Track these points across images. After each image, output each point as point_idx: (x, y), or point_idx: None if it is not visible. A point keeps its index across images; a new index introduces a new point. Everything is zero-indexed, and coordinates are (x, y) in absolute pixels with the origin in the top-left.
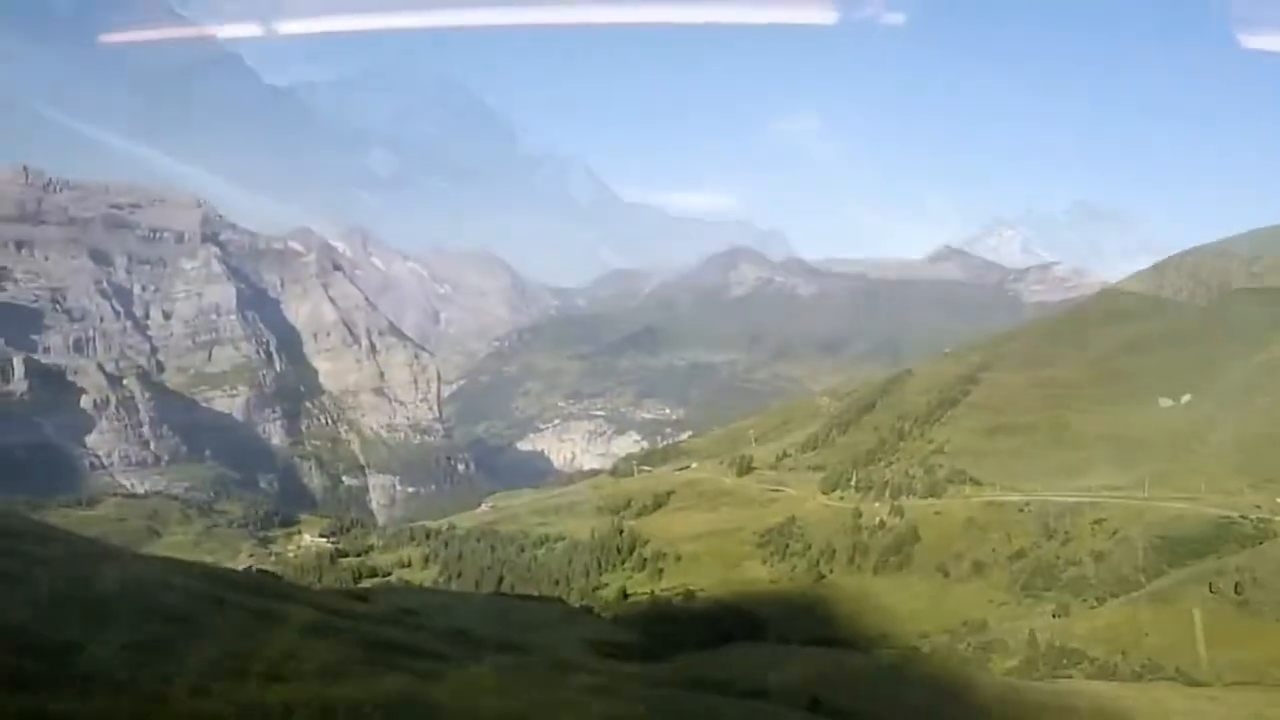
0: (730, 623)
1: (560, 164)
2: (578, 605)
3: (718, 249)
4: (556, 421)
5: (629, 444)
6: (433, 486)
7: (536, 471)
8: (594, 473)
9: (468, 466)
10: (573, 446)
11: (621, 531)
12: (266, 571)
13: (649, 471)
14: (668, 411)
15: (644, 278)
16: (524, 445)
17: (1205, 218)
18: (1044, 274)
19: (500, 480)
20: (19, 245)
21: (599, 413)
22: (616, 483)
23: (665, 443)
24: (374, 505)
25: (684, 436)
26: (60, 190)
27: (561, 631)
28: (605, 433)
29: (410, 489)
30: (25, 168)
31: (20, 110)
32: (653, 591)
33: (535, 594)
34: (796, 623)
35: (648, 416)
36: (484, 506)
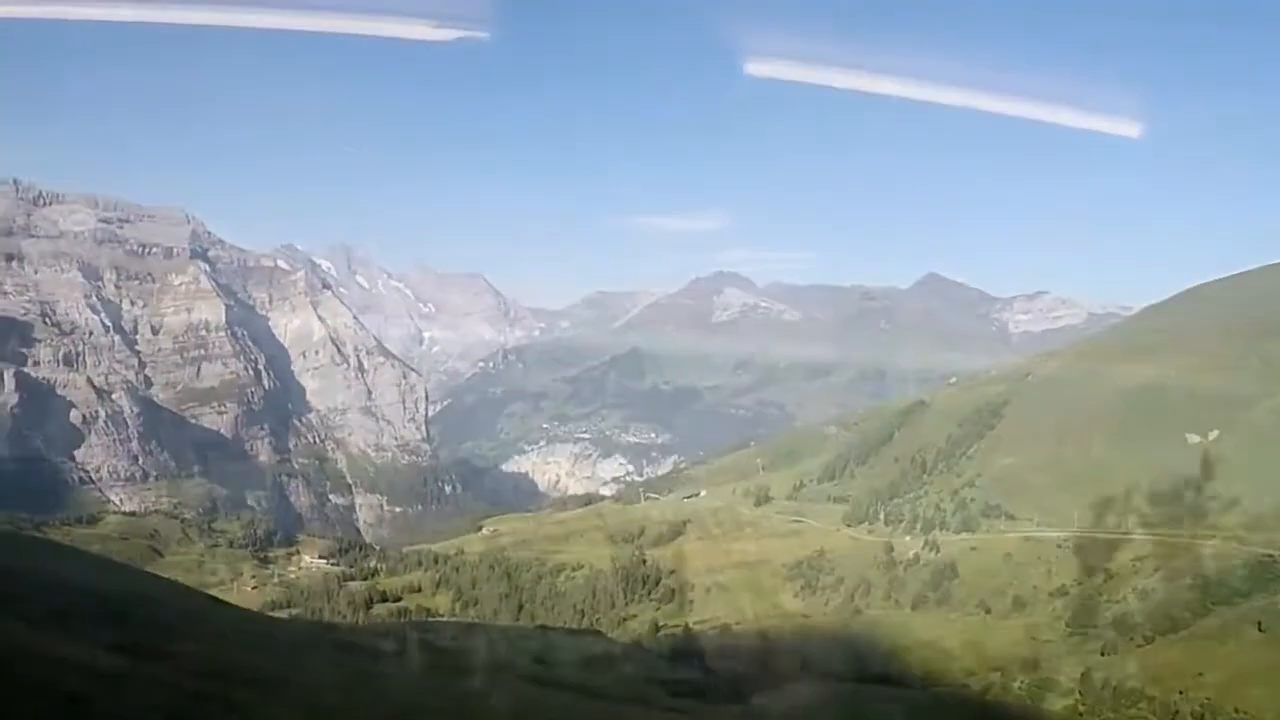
0: (777, 658)
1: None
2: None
3: (702, 272)
4: (542, 443)
5: (615, 467)
6: (420, 507)
7: (522, 493)
8: (587, 497)
9: (454, 487)
10: (558, 469)
11: (644, 561)
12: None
13: (656, 498)
14: (654, 435)
15: (628, 300)
16: (509, 467)
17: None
18: (1030, 303)
19: (487, 502)
20: (8, 258)
21: (584, 435)
22: (623, 509)
23: (651, 467)
24: (361, 524)
25: (670, 461)
26: (50, 204)
27: (621, 668)
28: (591, 455)
29: (397, 509)
30: (15, 181)
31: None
32: (687, 624)
33: (564, 625)
34: (839, 658)
35: (633, 440)
36: (485, 530)
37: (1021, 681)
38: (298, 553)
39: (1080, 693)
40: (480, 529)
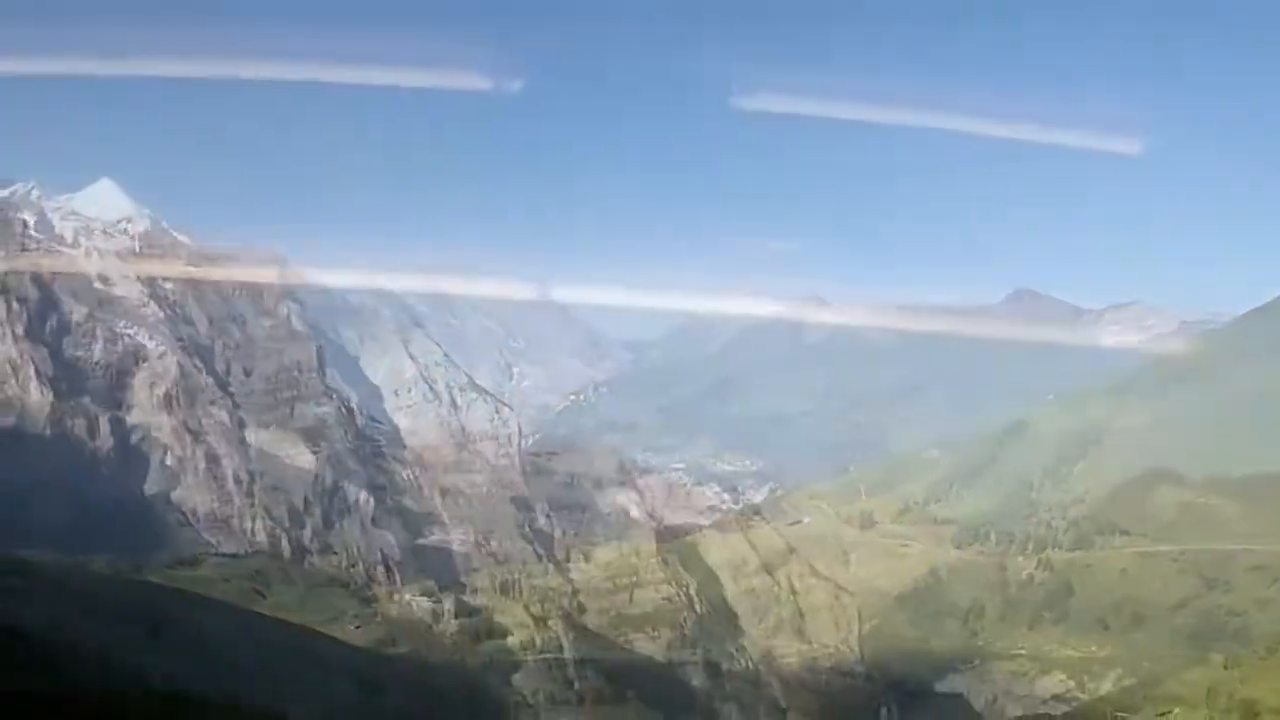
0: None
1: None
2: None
3: (790, 296)
4: (634, 474)
5: (709, 496)
6: (515, 541)
7: (617, 525)
8: (681, 527)
9: (549, 520)
10: (652, 499)
11: (752, 588)
12: None
13: (758, 525)
14: (748, 463)
15: (717, 327)
16: (602, 501)
17: None
18: (1120, 314)
19: (582, 535)
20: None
21: (677, 465)
22: (724, 538)
23: (746, 495)
24: (456, 560)
25: (765, 488)
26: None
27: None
28: (685, 485)
29: (493, 544)
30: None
31: None
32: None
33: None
34: (963, 682)
35: (727, 469)
36: (586, 563)
37: (1144, 697)
38: (400, 590)
39: (1207, 708)
40: (568, 557)
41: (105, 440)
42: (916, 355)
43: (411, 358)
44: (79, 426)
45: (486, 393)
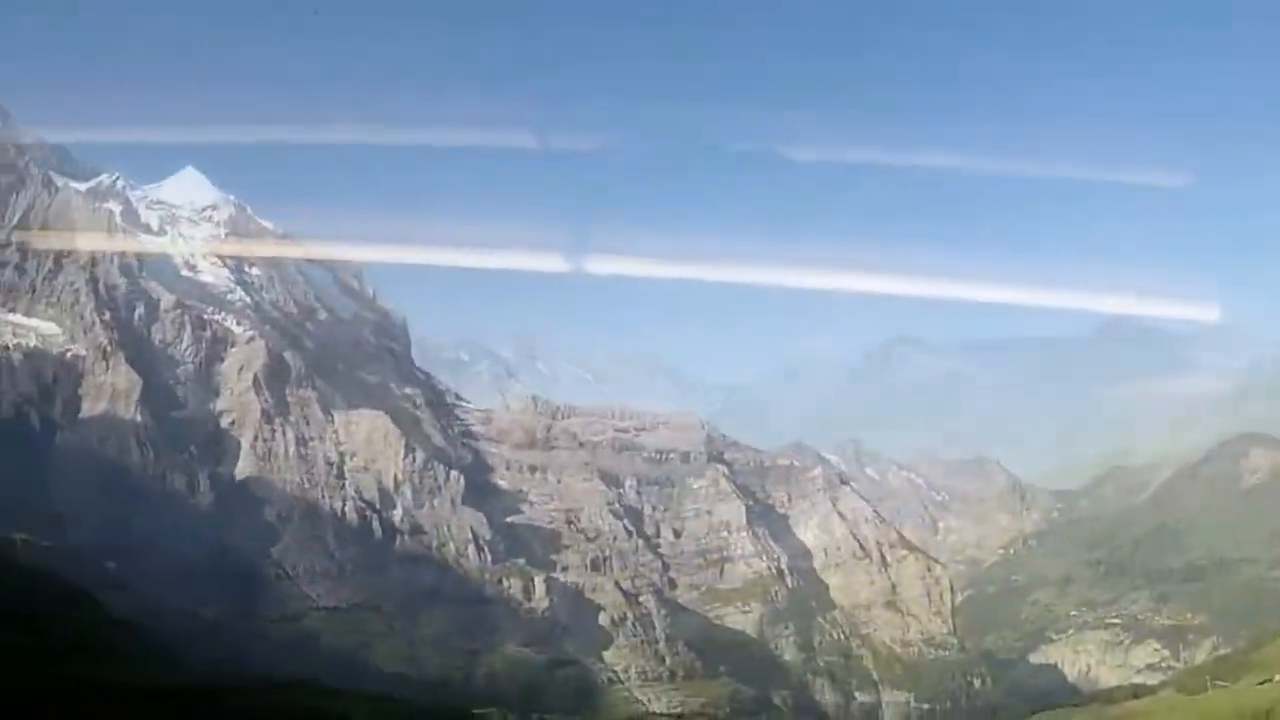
0: None
1: None
2: None
3: (1224, 434)
4: (1070, 631)
5: (1147, 654)
6: (947, 704)
7: (1051, 686)
8: (1132, 688)
9: (984, 682)
10: (1088, 658)
11: None
12: None
13: (1225, 686)
14: (1189, 616)
15: (1147, 472)
16: (1035, 657)
17: None
18: None
19: (1017, 696)
20: (533, 469)
21: (1114, 620)
22: (1191, 701)
23: (1188, 651)
24: None
25: (1207, 643)
26: (568, 417)
27: None
28: (1122, 642)
29: (924, 705)
30: (534, 399)
31: None
32: None
33: None
34: None
35: (1166, 623)
36: None
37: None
38: None
39: None
40: None
41: (539, 601)
42: None
43: (840, 515)
44: (168, 411)
45: (916, 549)
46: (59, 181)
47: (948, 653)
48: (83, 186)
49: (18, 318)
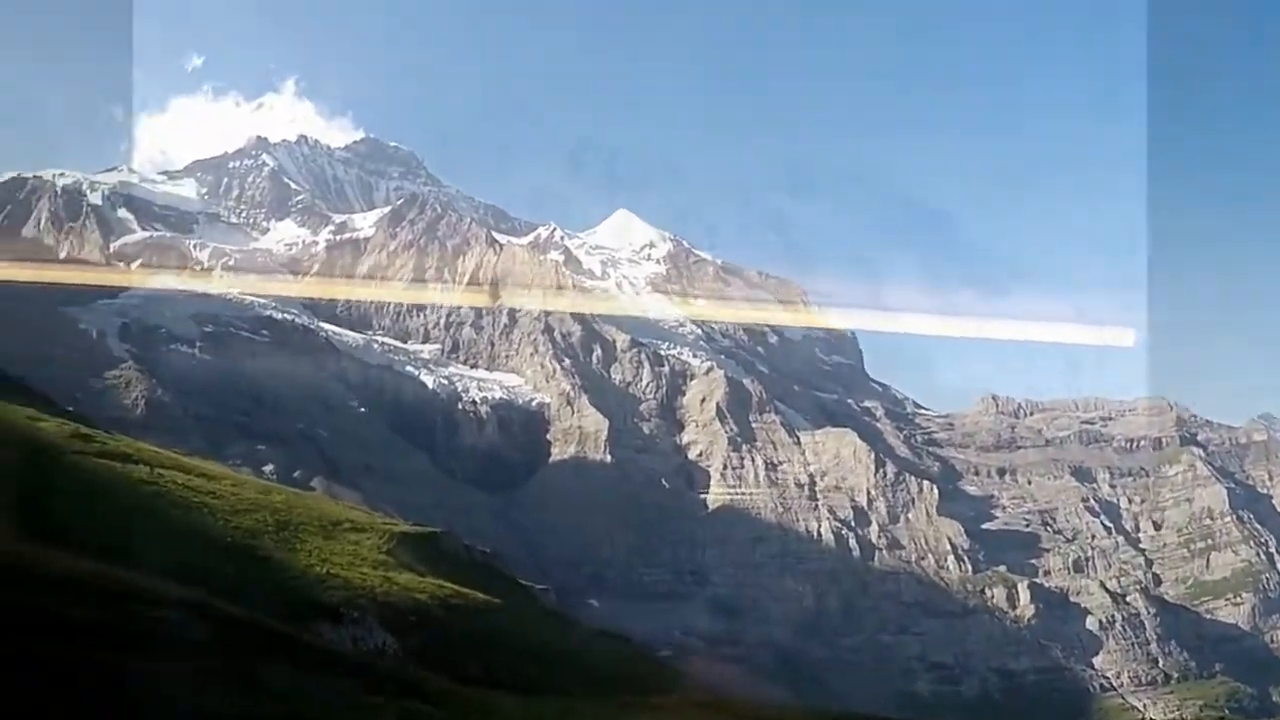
0: None
1: None
2: None
3: None
4: None
5: None
6: None
7: None
8: None
9: None
10: None
11: None
12: None
13: None
14: None
15: None
16: None
17: None
18: None
19: None
20: (1001, 472)
21: None
22: None
23: None
24: None
25: None
26: (1031, 414)
27: None
28: None
29: None
30: (994, 397)
31: None
32: None
33: None
34: None
35: None
36: None
37: None
38: None
39: None
40: None
41: (1025, 608)
42: None
43: None
44: (633, 451)
45: None
46: (501, 240)
47: None
48: (524, 240)
49: (480, 373)
